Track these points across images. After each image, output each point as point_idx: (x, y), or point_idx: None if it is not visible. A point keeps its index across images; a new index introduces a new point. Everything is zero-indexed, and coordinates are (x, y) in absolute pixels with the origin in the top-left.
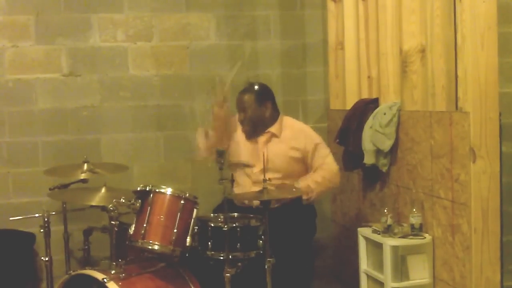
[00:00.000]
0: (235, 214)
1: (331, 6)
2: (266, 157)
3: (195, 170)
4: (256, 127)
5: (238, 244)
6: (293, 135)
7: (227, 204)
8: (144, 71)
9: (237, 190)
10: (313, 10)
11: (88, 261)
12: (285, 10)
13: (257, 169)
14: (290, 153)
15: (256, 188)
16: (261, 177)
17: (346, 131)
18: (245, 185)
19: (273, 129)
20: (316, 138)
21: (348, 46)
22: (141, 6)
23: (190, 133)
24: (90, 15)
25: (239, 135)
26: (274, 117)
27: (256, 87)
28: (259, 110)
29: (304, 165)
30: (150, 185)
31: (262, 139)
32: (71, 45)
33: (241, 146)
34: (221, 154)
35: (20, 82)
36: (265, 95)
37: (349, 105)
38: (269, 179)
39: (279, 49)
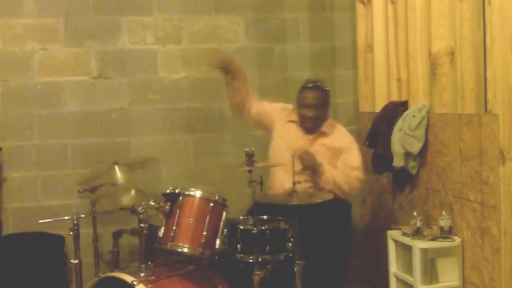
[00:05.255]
0: (265, 216)
1: (360, 8)
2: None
3: (224, 172)
4: (316, 126)
5: (267, 247)
6: (336, 134)
7: (257, 207)
8: (174, 74)
9: (276, 184)
10: (342, 12)
11: (117, 264)
12: (314, 12)
13: (298, 166)
14: (333, 153)
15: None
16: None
17: (376, 134)
18: (284, 181)
19: (324, 127)
20: (352, 143)
21: (377, 48)
22: (170, 8)
23: (219, 136)
24: (119, 17)
25: (284, 127)
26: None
27: (324, 87)
28: (327, 110)
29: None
30: (179, 188)
31: (312, 137)
32: (100, 48)
33: (287, 141)
34: (250, 156)
35: (49, 84)
36: (330, 95)
37: (378, 108)
38: (299, 182)
39: (308, 51)
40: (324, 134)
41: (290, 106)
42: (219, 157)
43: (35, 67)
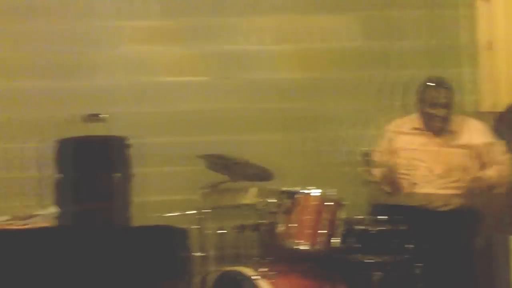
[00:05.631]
0: (384, 217)
1: (480, 5)
2: (448, 158)
3: (341, 173)
4: (446, 125)
5: (386, 248)
6: (471, 130)
7: (377, 207)
8: (289, 74)
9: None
10: (460, 9)
11: (240, 258)
12: (431, 9)
13: (437, 171)
14: (469, 151)
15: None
16: (441, 180)
17: (498, 134)
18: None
19: (453, 126)
20: (490, 135)
21: (499, 45)
22: (286, 8)
23: (334, 135)
24: (236, 19)
25: (408, 139)
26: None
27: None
28: (454, 108)
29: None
30: (298, 186)
31: (442, 140)
32: (216, 49)
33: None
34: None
35: (165, 84)
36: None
37: (500, 107)
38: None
39: (426, 49)
40: (455, 133)
41: (396, 121)
42: (333, 156)
43: (151, 67)
